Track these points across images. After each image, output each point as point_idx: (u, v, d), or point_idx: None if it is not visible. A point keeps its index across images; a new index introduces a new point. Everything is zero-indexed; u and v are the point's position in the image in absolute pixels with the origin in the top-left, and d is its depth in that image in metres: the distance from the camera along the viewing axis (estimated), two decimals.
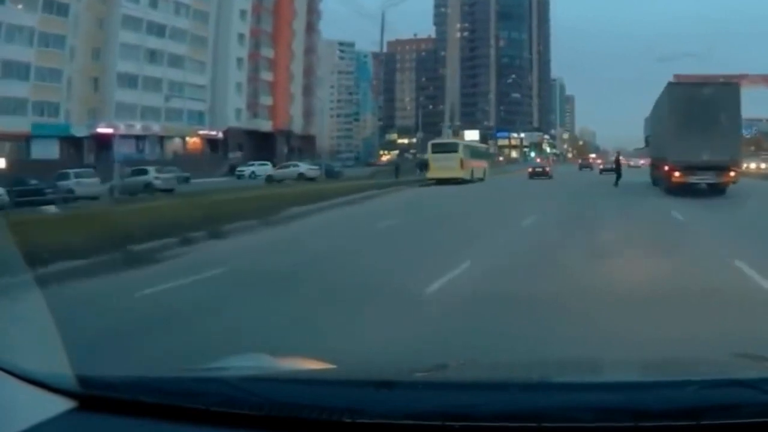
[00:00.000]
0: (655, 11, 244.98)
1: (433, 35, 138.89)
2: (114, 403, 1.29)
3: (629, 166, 64.32)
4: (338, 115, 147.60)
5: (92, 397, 1.30)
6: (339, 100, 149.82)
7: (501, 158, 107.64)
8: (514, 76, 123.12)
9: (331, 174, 41.72)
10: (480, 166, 37.08)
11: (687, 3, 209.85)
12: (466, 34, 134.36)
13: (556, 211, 16.23)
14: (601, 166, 50.93)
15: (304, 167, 43.11)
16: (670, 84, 22.88)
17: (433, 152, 34.85)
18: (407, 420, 1.18)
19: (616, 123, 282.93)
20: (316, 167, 42.75)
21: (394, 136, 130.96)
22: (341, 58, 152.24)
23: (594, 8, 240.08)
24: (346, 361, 2.71)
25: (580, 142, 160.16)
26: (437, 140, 42.52)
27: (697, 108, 19.79)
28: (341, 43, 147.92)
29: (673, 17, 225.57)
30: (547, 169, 42.40)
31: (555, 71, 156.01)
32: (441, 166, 33.05)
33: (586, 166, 62.08)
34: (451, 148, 34.88)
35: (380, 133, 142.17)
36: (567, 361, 2.21)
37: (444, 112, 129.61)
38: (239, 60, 63.83)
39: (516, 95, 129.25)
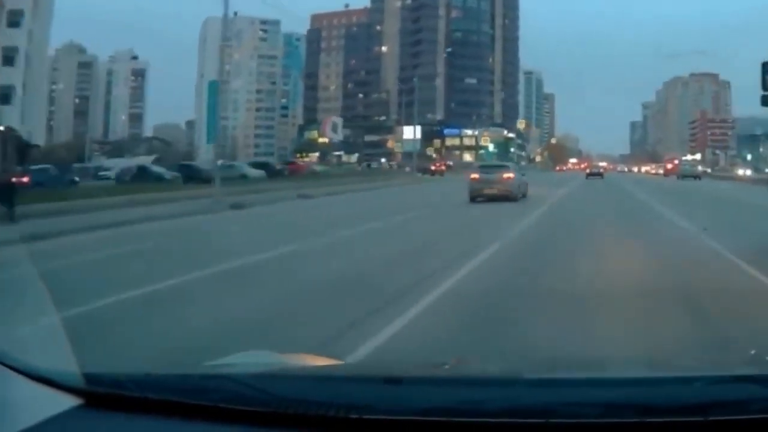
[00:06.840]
0: (654, 6, 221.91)
1: (369, 5, 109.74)
2: (120, 400, 1.31)
3: (617, 171, 72.26)
4: (258, 109, 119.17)
5: (98, 394, 1.31)
6: (259, 91, 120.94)
7: (450, 163, 78.09)
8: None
9: None
10: None
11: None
12: (408, 1, 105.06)
13: None
14: (588, 171, 54.68)
15: None
16: None
17: None
18: (414, 416, 1.20)
19: (600, 126, 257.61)
20: None
21: (314, 133, 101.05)
22: (263, 39, 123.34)
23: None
24: (353, 358, 2.99)
25: (553, 140, 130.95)
26: None
27: None
28: (263, 21, 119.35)
29: (672, 12, 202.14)
30: None
31: (530, 62, 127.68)
32: None
33: (597, 174, 51.00)
34: None
35: (299, 130, 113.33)
36: (573, 357, 2.25)
37: (379, 102, 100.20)
38: None
39: (472, 81, 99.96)
